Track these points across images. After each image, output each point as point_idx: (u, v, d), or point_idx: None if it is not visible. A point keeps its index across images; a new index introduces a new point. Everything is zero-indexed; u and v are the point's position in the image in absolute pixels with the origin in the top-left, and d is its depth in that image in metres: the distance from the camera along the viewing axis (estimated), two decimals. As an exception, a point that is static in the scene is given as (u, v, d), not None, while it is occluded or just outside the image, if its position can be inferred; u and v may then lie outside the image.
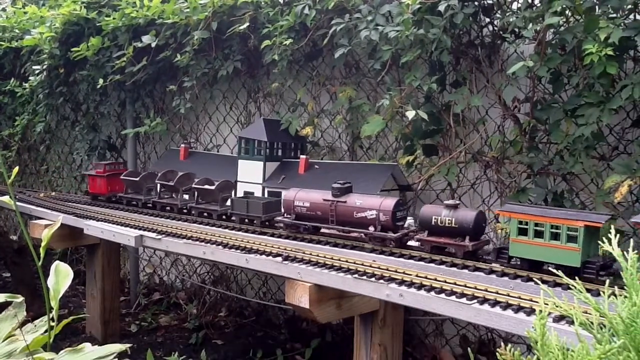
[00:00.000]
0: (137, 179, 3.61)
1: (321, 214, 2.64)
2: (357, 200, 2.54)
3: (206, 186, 3.22)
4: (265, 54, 3.37)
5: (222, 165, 3.63)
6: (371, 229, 2.47)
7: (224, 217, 3.21)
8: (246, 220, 3.02)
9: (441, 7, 2.58)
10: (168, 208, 3.49)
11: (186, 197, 3.44)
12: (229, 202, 3.21)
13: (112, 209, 3.74)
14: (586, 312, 1.41)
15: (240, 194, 3.40)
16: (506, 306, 1.80)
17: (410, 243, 2.55)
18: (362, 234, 2.54)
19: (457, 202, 2.37)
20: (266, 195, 3.27)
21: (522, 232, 2.07)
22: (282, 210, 2.86)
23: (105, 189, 3.86)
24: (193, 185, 3.28)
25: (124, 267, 4.99)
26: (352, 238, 2.61)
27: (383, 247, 2.46)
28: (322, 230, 2.74)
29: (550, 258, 2.01)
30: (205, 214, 3.25)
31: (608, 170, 2.59)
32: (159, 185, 3.51)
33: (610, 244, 1.08)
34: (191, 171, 3.76)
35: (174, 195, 3.53)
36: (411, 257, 2.34)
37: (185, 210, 3.37)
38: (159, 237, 2.95)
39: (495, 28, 2.85)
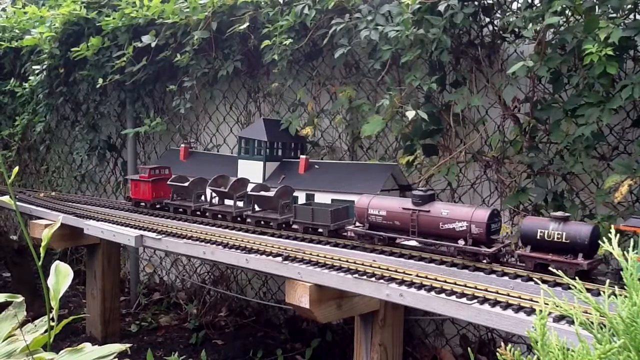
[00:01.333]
0: (186, 184, 3.30)
1: (400, 224, 2.39)
2: (442, 209, 2.28)
3: (262, 193, 2.95)
4: (265, 54, 3.37)
5: (222, 165, 3.63)
6: (461, 242, 2.20)
7: (284, 226, 2.90)
8: (310, 230, 2.76)
9: (441, 7, 2.58)
10: (220, 216, 3.18)
11: (240, 204, 3.14)
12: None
13: (115, 209, 3.74)
14: (586, 312, 1.41)
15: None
16: (506, 306, 1.80)
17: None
18: (451, 248, 2.25)
19: (567, 214, 2.06)
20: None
21: None
22: (354, 218, 2.62)
23: (149, 194, 3.52)
24: (249, 192, 2.99)
25: (124, 267, 4.99)
26: (438, 252, 2.34)
27: (476, 263, 2.20)
28: (400, 241, 2.49)
29: None
30: (263, 223, 2.97)
31: (608, 170, 2.59)
32: (210, 191, 3.21)
33: (610, 243, 1.08)
34: (191, 171, 3.76)
35: (226, 202, 3.22)
36: (411, 257, 2.34)
37: (240, 219, 3.09)
38: (159, 237, 2.95)
39: (495, 28, 2.85)
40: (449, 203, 2.41)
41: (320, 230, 2.69)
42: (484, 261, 2.17)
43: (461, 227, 2.22)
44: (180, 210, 3.35)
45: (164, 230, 3.02)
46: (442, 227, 2.27)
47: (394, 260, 2.32)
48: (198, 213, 3.29)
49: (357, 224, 2.57)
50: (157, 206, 3.56)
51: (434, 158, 3.00)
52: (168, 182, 3.40)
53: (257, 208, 3.01)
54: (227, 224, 3.09)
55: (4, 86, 5.35)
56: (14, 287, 4.42)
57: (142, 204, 3.60)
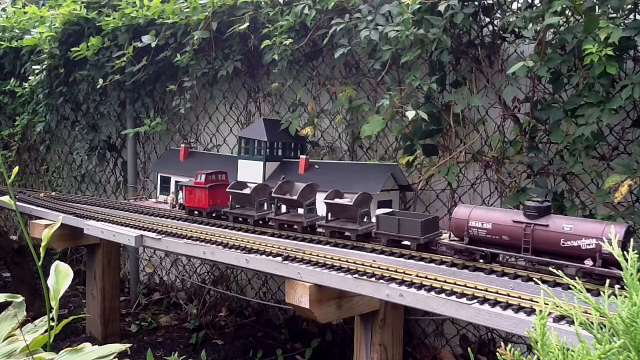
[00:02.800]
0: (248, 192, 3.00)
1: (508, 239, 2.10)
2: (564, 224, 1.99)
3: (337, 200, 2.65)
4: (265, 54, 3.37)
5: (222, 165, 3.63)
6: (588, 263, 1.92)
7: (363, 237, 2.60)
8: (395, 243, 2.46)
9: (441, 7, 2.58)
10: (287, 226, 2.87)
11: (301, 211, 2.85)
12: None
13: (114, 209, 3.74)
14: (586, 312, 1.41)
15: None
16: (506, 306, 1.80)
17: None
18: (575, 269, 1.97)
19: None
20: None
21: None
22: (449, 230, 2.33)
23: (206, 202, 3.17)
24: (324, 200, 2.72)
25: (124, 267, 4.99)
26: (547, 272, 2.01)
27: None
28: (506, 258, 2.25)
29: None
30: (339, 234, 2.66)
31: (608, 170, 2.59)
32: (276, 199, 2.89)
33: (610, 244, 1.08)
34: (191, 171, 3.76)
35: (295, 211, 2.94)
36: (411, 257, 2.34)
37: (310, 229, 2.78)
38: (159, 237, 2.95)
39: (495, 28, 2.85)
40: (569, 217, 2.08)
41: (407, 243, 2.42)
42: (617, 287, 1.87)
43: (588, 244, 1.93)
44: (241, 219, 3.04)
45: (164, 230, 3.02)
46: (563, 244, 1.98)
47: (394, 260, 2.32)
48: (261, 222, 2.99)
49: (454, 236, 2.27)
50: (214, 215, 3.22)
51: (434, 158, 3.00)
52: (227, 189, 3.06)
53: (331, 217, 2.68)
54: (227, 224, 3.09)
55: (4, 86, 5.35)
56: (14, 287, 4.42)
57: (197, 212, 3.25)
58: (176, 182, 3.72)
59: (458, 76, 2.91)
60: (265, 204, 3.00)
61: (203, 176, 3.21)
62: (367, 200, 2.66)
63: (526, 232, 2.04)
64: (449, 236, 2.35)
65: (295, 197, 2.77)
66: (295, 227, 2.80)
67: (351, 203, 2.60)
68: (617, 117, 2.57)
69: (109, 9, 4.31)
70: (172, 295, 4.73)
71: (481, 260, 2.19)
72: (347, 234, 2.64)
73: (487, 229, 2.15)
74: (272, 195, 2.86)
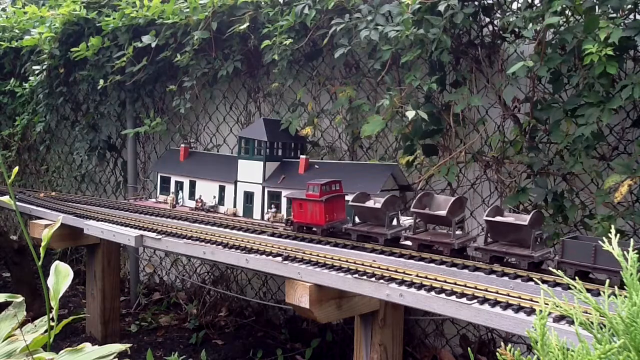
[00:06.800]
0: (378, 205, 2.52)
1: None
2: None
3: (498, 218, 2.19)
4: (265, 54, 3.37)
5: (222, 165, 3.63)
6: None
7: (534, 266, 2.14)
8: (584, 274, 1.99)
9: (441, 7, 2.58)
10: (436, 247, 2.39)
11: (459, 232, 2.37)
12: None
13: (114, 209, 3.73)
14: (586, 312, 1.41)
15: (240, 194, 3.40)
16: (506, 306, 1.80)
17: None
18: None
19: None
20: (266, 196, 3.27)
21: None
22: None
23: (322, 218, 2.67)
24: (350, 202, 2.49)
25: (124, 267, 4.99)
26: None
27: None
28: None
29: None
30: (507, 260, 2.21)
31: (608, 170, 2.59)
32: (415, 214, 2.44)
33: (610, 243, 1.08)
34: (191, 171, 3.76)
35: (437, 228, 2.58)
36: (411, 257, 2.34)
37: (459, 252, 2.31)
38: (159, 237, 2.95)
39: (495, 28, 2.85)
40: None
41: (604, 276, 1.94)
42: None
43: None
44: (371, 237, 2.55)
45: (164, 230, 3.02)
46: None
47: (394, 260, 2.32)
48: (389, 241, 2.50)
49: None
50: (331, 231, 2.72)
51: (433, 158, 3.00)
52: (351, 203, 2.61)
53: (490, 239, 2.27)
54: (227, 224, 3.09)
55: (4, 86, 5.35)
56: (14, 287, 4.42)
57: (307, 229, 2.76)
58: (285, 197, 3.12)
59: (458, 76, 2.91)
60: (395, 219, 2.56)
61: (318, 187, 2.67)
62: (396, 203, 2.50)
63: None
64: None
65: (443, 213, 2.31)
66: (440, 248, 2.33)
67: (379, 206, 2.44)
68: (617, 117, 2.57)
69: (109, 9, 4.31)
70: (172, 295, 4.73)
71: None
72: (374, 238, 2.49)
73: None
74: (412, 210, 2.42)
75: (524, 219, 2.13)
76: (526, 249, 2.11)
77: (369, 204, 2.54)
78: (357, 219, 2.61)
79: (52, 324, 1.56)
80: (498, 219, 2.19)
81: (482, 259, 2.20)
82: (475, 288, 1.92)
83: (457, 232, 2.32)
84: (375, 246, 2.48)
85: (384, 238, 2.45)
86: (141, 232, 3.05)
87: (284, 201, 3.17)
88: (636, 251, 1.03)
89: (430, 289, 1.97)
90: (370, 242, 2.50)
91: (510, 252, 2.15)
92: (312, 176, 3.15)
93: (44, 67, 4.65)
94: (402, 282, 2.05)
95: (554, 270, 1.22)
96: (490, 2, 2.74)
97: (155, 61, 3.97)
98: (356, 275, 2.16)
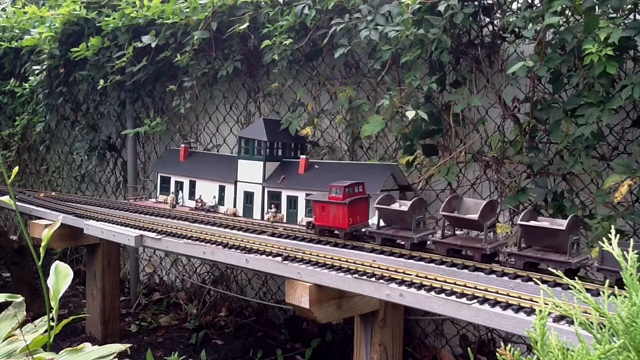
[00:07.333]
0: (404, 208, 2.44)
1: None
2: None
3: (532, 222, 2.10)
4: (265, 54, 3.37)
5: (222, 165, 3.63)
6: None
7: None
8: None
9: (441, 7, 2.58)
10: (465, 252, 2.28)
11: (490, 235, 2.27)
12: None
13: (114, 209, 3.73)
14: (586, 312, 1.41)
15: (240, 194, 3.40)
16: (506, 306, 1.80)
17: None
18: None
19: None
20: (266, 196, 3.27)
21: None
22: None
23: (345, 221, 2.60)
24: (375, 205, 2.40)
25: (124, 267, 4.99)
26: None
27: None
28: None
29: None
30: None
31: (608, 170, 2.59)
32: (445, 218, 2.36)
33: (610, 243, 1.08)
34: (191, 171, 3.76)
35: (467, 233, 2.50)
36: (411, 257, 2.34)
37: (491, 257, 2.21)
38: (159, 237, 2.95)
39: (495, 28, 2.85)
40: None
41: None
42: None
43: None
44: (397, 241, 2.49)
45: (164, 230, 3.02)
46: None
47: (394, 260, 2.32)
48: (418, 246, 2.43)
49: None
50: (354, 235, 2.66)
51: (433, 158, 3.00)
52: (376, 205, 2.53)
53: (524, 245, 2.19)
54: (226, 224, 3.09)
55: (4, 86, 5.35)
56: (14, 287, 4.42)
57: (329, 232, 2.71)
58: (306, 199, 3.02)
59: (458, 76, 2.91)
60: (422, 223, 2.48)
61: (341, 189, 2.61)
62: (422, 206, 2.43)
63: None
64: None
65: (475, 217, 2.22)
66: (470, 253, 2.24)
67: (405, 209, 2.36)
68: (617, 117, 2.57)
69: (109, 9, 4.31)
70: (172, 295, 4.73)
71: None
72: (399, 242, 2.42)
73: None
74: (442, 213, 2.34)
75: (561, 224, 2.05)
76: (562, 255, 2.04)
77: (395, 206, 2.47)
78: (381, 222, 2.54)
79: (52, 324, 1.56)
80: (533, 223, 2.12)
81: (516, 265, 2.14)
82: (475, 288, 1.92)
83: (490, 237, 2.22)
84: (375, 246, 2.48)
85: (410, 242, 2.37)
86: (141, 232, 3.05)
87: (284, 201, 3.18)
88: (636, 251, 1.03)
89: (430, 289, 1.98)
90: (396, 246, 2.44)
91: (545, 258, 2.07)
92: (312, 176, 3.16)
93: (44, 67, 4.65)
94: (402, 282, 2.05)
95: (554, 270, 1.22)
96: (490, 2, 2.74)
97: (155, 61, 3.97)
98: (356, 275, 2.16)
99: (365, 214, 2.69)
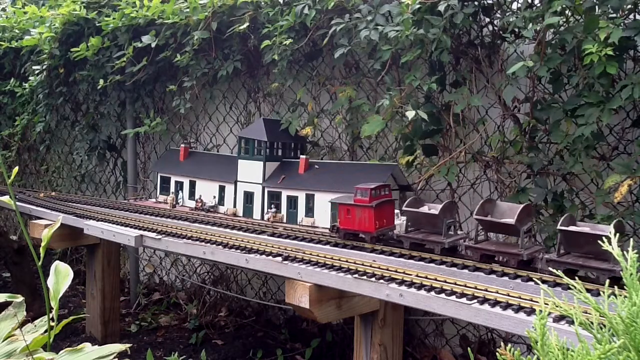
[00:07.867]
0: (434, 211, 2.38)
1: None
2: None
3: (572, 228, 2.04)
4: (265, 54, 3.37)
5: (222, 165, 3.63)
6: None
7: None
8: None
9: (441, 7, 2.58)
10: (499, 258, 2.21)
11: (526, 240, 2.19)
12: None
13: (114, 209, 3.73)
14: (586, 312, 1.41)
15: (240, 194, 3.40)
16: (506, 306, 1.80)
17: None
18: None
19: None
20: (266, 196, 3.27)
21: None
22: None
23: (372, 225, 2.50)
24: (403, 208, 2.35)
25: (124, 267, 4.99)
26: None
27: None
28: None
29: None
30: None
31: (608, 170, 2.59)
32: (479, 222, 2.27)
33: (609, 243, 1.08)
34: (191, 171, 3.76)
35: (502, 238, 2.43)
36: (411, 257, 2.34)
37: (525, 263, 2.13)
38: (159, 237, 2.95)
39: (495, 28, 2.85)
40: None
41: None
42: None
43: None
44: (425, 246, 2.39)
45: (164, 230, 3.02)
46: None
47: (394, 260, 2.32)
48: (446, 250, 2.33)
49: None
50: (381, 239, 2.58)
51: (433, 158, 3.00)
52: (404, 208, 2.46)
53: (563, 251, 2.11)
54: (226, 224, 3.09)
55: (4, 86, 5.35)
56: (14, 287, 4.42)
57: (354, 236, 2.60)
58: (331, 202, 2.84)
59: (458, 76, 2.91)
60: (452, 227, 2.40)
61: (367, 192, 2.51)
62: (453, 209, 2.35)
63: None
64: None
65: (511, 221, 2.12)
66: (505, 259, 2.15)
67: (436, 212, 2.27)
68: (617, 117, 2.57)
69: (109, 9, 4.31)
70: (172, 295, 4.73)
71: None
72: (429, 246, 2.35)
73: None
74: (475, 217, 2.25)
75: (603, 230, 1.98)
76: (604, 261, 1.95)
77: (424, 209, 2.38)
78: (409, 226, 2.46)
79: (52, 324, 1.56)
80: (573, 228, 2.04)
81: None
82: (475, 288, 1.92)
83: (526, 243, 2.14)
84: (375, 246, 2.48)
85: (440, 247, 2.29)
86: (141, 232, 3.05)
87: (284, 201, 3.18)
88: (635, 251, 1.03)
89: (430, 289, 1.98)
90: (424, 250, 2.36)
91: (587, 265, 1.99)
92: (312, 176, 3.16)
93: (44, 67, 4.64)
94: (402, 282, 2.05)
95: (554, 270, 1.22)
96: (490, 2, 2.74)
97: (155, 61, 3.97)
98: (356, 275, 2.16)
99: (392, 217, 2.59)
